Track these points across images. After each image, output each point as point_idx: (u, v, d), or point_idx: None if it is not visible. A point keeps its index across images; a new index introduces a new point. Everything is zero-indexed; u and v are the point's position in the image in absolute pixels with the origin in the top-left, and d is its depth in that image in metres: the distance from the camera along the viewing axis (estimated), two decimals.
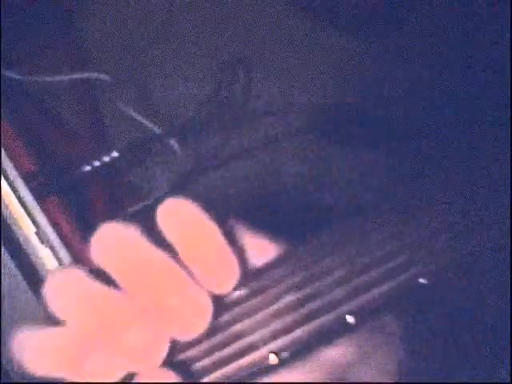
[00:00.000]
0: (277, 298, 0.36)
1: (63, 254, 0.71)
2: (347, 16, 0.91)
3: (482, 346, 0.45)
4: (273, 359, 0.35)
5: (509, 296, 0.44)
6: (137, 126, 0.90)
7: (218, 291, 0.36)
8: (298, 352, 0.35)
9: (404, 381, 0.40)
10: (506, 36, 0.78)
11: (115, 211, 0.85)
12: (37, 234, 0.71)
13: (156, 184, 0.89)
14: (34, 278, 0.70)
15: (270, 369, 0.35)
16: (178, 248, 0.35)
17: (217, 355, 0.35)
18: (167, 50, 0.94)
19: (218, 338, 0.36)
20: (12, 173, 0.71)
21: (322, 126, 0.89)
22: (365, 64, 0.89)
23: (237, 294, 0.36)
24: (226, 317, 0.36)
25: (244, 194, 0.88)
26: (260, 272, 0.37)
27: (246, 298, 0.36)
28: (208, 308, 0.35)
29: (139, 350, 0.34)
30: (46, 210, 0.71)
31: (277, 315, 0.35)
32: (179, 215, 0.36)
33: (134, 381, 0.35)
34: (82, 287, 0.35)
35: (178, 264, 0.35)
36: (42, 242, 0.70)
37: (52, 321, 0.35)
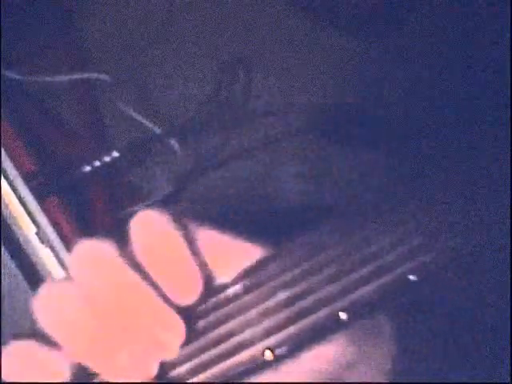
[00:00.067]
0: (270, 295, 0.36)
1: (63, 254, 0.71)
2: (347, 16, 0.91)
3: (482, 346, 0.45)
4: (268, 355, 0.35)
5: (509, 296, 0.44)
6: (137, 126, 0.90)
7: (182, 304, 0.36)
8: (293, 350, 0.35)
9: (403, 381, 0.40)
10: (506, 36, 0.78)
11: (115, 211, 0.86)
12: (37, 234, 0.71)
13: (156, 184, 0.89)
14: (33, 278, 0.70)
15: (265, 367, 0.35)
16: (144, 262, 0.36)
17: (210, 353, 0.35)
18: (167, 50, 0.93)
19: (211, 335, 0.36)
20: (12, 173, 0.71)
21: (321, 126, 0.89)
22: (365, 64, 0.89)
23: (230, 291, 0.36)
24: (218, 314, 0.36)
25: (244, 194, 0.88)
26: (252, 269, 0.37)
27: (239, 296, 0.36)
28: (179, 325, 0.35)
29: (129, 368, 0.35)
30: (46, 210, 0.71)
31: (270, 312, 0.35)
32: (148, 228, 0.36)
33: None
34: (71, 304, 0.35)
35: (149, 281, 0.35)
36: (42, 242, 0.70)
37: (40, 336, 0.36)
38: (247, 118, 0.90)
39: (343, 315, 0.35)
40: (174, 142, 0.89)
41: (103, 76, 0.91)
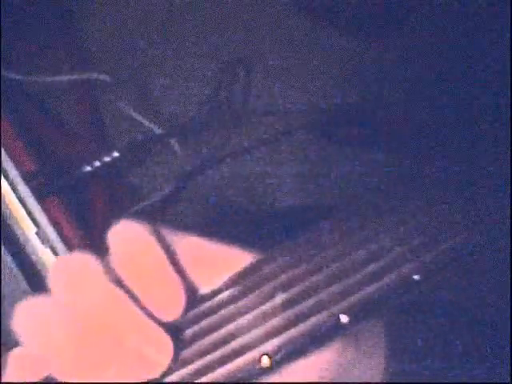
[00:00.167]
0: (267, 298, 0.35)
1: (63, 253, 0.71)
2: (347, 16, 0.91)
3: (482, 346, 0.45)
4: (266, 362, 0.34)
5: (509, 296, 0.44)
6: (137, 126, 0.90)
7: (166, 319, 0.35)
8: (292, 353, 0.35)
9: (403, 381, 0.40)
10: (506, 36, 0.78)
11: (115, 211, 0.85)
12: (37, 233, 0.71)
13: (156, 184, 0.89)
14: (34, 278, 0.70)
15: (262, 373, 0.35)
16: (124, 275, 0.35)
17: (205, 360, 0.35)
18: (167, 50, 0.93)
19: (206, 342, 0.35)
20: (12, 173, 0.71)
21: (321, 126, 0.89)
22: (365, 64, 0.89)
23: (225, 295, 0.36)
24: (213, 319, 0.36)
25: (244, 193, 0.87)
26: (248, 272, 0.36)
27: (235, 299, 0.36)
28: (165, 340, 0.35)
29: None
30: (46, 210, 0.71)
31: (267, 316, 0.35)
32: (126, 240, 0.36)
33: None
34: (53, 322, 0.35)
35: (131, 296, 0.35)
36: (42, 242, 0.70)
37: (9, 345, 0.35)
38: (247, 118, 0.90)
39: (344, 318, 0.34)
40: (173, 142, 0.89)
41: (103, 76, 0.91)
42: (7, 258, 0.69)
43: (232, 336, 0.34)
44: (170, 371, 0.34)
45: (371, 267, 0.34)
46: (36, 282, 0.69)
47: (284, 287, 0.35)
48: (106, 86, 0.91)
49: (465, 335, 0.44)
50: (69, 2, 0.96)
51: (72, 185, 0.80)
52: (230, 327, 0.35)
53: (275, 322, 0.34)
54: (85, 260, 0.35)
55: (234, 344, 0.34)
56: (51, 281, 0.36)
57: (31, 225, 0.70)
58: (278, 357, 0.33)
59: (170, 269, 0.35)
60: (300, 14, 0.92)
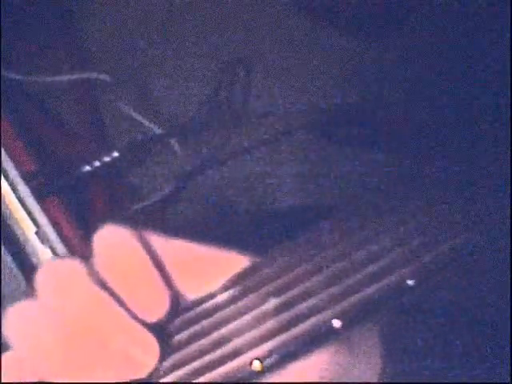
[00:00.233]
0: (259, 303, 0.35)
1: (63, 254, 0.71)
2: (347, 16, 0.91)
3: (482, 346, 0.45)
4: (257, 366, 0.34)
5: (509, 296, 0.44)
6: (137, 126, 0.90)
7: (150, 320, 0.35)
8: (283, 357, 0.34)
9: (403, 381, 0.40)
10: (506, 36, 0.78)
11: (115, 211, 0.85)
12: (37, 233, 0.71)
13: (156, 184, 0.89)
14: (34, 278, 0.70)
15: (253, 378, 0.34)
16: (109, 278, 0.35)
17: (195, 364, 0.35)
18: (167, 50, 0.93)
19: (200, 343, 0.35)
20: (12, 173, 0.71)
21: (321, 126, 0.89)
22: (365, 64, 0.89)
23: (218, 299, 0.36)
24: (207, 322, 0.36)
25: (244, 193, 0.87)
26: (241, 276, 0.36)
27: (227, 304, 0.36)
28: (153, 343, 0.35)
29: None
30: (46, 210, 0.71)
31: (259, 321, 0.35)
32: (110, 244, 0.36)
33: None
34: (40, 325, 0.35)
35: (116, 298, 0.35)
36: (42, 242, 0.70)
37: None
38: (247, 118, 0.90)
39: (337, 323, 0.34)
40: (173, 142, 0.89)
41: (103, 76, 0.91)
42: (7, 258, 0.69)
43: (224, 340, 0.34)
44: (161, 374, 0.34)
45: (367, 270, 0.34)
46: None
47: (277, 291, 0.34)
48: (106, 85, 0.91)
49: (465, 335, 0.44)
50: (69, 2, 0.96)
51: (72, 185, 0.80)
52: (222, 331, 0.34)
53: (267, 326, 0.34)
54: (70, 265, 0.35)
55: (226, 348, 0.34)
56: (38, 286, 0.36)
57: (31, 225, 0.70)
58: (269, 361, 0.33)
59: (153, 271, 0.35)
60: (300, 14, 0.92)
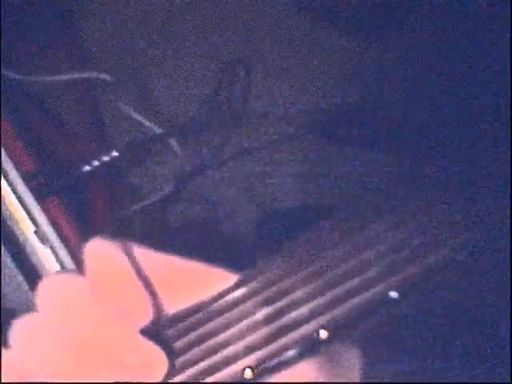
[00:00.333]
0: (251, 312, 0.35)
1: (63, 253, 0.71)
2: (347, 16, 0.91)
3: (482, 346, 0.45)
4: (248, 374, 0.34)
5: (509, 296, 0.44)
6: (137, 126, 0.90)
7: (135, 327, 0.36)
8: (275, 366, 0.34)
9: (403, 381, 0.40)
10: (505, 36, 0.78)
11: (115, 211, 0.86)
12: (37, 233, 0.71)
13: (156, 184, 0.89)
14: (33, 278, 0.70)
15: (249, 382, 0.34)
16: (98, 291, 0.36)
17: (191, 370, 0.35)
18: (167, 50, 0.93)
19: (193, 352, 0.35)
20: (12, 173, 0.71)
21: (321, 126, 0.89)
22: (365, 64, 0.89)
23: (209, 309, 0.36)
24: (200, 331, 0.36)
25: (244, 194, 0.88)
26: (231, 287, 0.36)
27: (218, 314, 0.36)
28: (161, 356, 0.35)
29: None
30: (46, 210, 0.71)
31: (249, 330, 0.35)
32: (99, 258, 0.36)
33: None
34: (43, 340, 0.35)
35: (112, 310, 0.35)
36: (42, 242, 0.70)
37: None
38: (247, 118, 0.90)
39: (323, 334, 0.34)
40: (173, 142, 0.89)
41: (103, 76, 0.91)
42: (7, 258, 0.69)
43: (215, 349, 0.34)
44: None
45: (357, 280, 0.34)
46: (36, 281, 0.69)
47: (267, 302, 0.35)
48: (106, 85, 0.91)
49: (465, 335, 0.44)
50: (69, 2, 0.96)
51: (72, 185, 0.80)
52: (215, 340, 0.34)
53: (257, 335, 0.34)
54: (68, 279, 0.36)
55: (218, 356, 0.34)
56: (38, 299, 0.36)
57: (31, 225, 0.70)
58: (260, 369, 0.33)
59: (138, 282, 0.35)
60: (300, 14, 0.92)
